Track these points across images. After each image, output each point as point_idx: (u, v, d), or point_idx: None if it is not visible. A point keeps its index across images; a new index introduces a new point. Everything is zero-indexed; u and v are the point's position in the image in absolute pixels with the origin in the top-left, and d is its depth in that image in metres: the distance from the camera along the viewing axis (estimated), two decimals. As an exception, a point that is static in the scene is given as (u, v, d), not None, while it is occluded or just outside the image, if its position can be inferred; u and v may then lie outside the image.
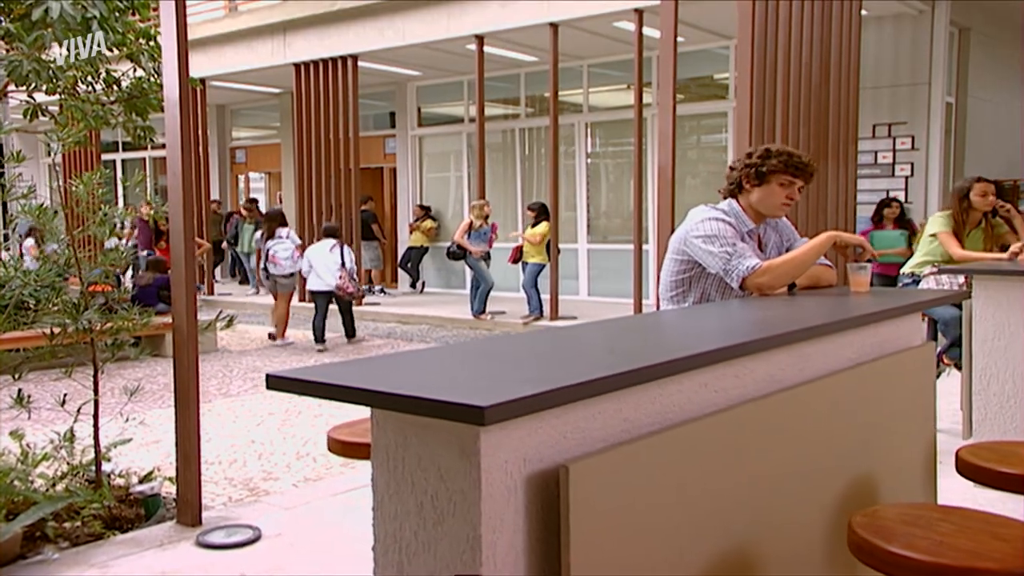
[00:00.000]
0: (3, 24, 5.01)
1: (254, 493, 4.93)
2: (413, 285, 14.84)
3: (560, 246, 11.28)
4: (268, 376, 1.62)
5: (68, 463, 4.25)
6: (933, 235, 5.35)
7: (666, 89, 6.28)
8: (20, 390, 4.02)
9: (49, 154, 19.69)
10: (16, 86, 4.87)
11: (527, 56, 12.75)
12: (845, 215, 8.46)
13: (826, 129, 8.07)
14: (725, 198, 3.27)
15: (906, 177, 10.23)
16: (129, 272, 10.84)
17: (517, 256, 11.04)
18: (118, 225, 4.06)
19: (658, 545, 1.73)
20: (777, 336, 2.03)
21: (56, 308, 4.15)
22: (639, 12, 9.89)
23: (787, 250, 3.28)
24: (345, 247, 10.07)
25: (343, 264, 9.78)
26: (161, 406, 7.03)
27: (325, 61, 13.04)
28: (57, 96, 5.04)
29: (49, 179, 19.76)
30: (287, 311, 10.36)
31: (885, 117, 10.24)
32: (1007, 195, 7.55)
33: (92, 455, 4.25)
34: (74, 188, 3.96)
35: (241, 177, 19.00)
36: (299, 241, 10.67)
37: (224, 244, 16.16)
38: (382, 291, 14.59)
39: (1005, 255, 5.15)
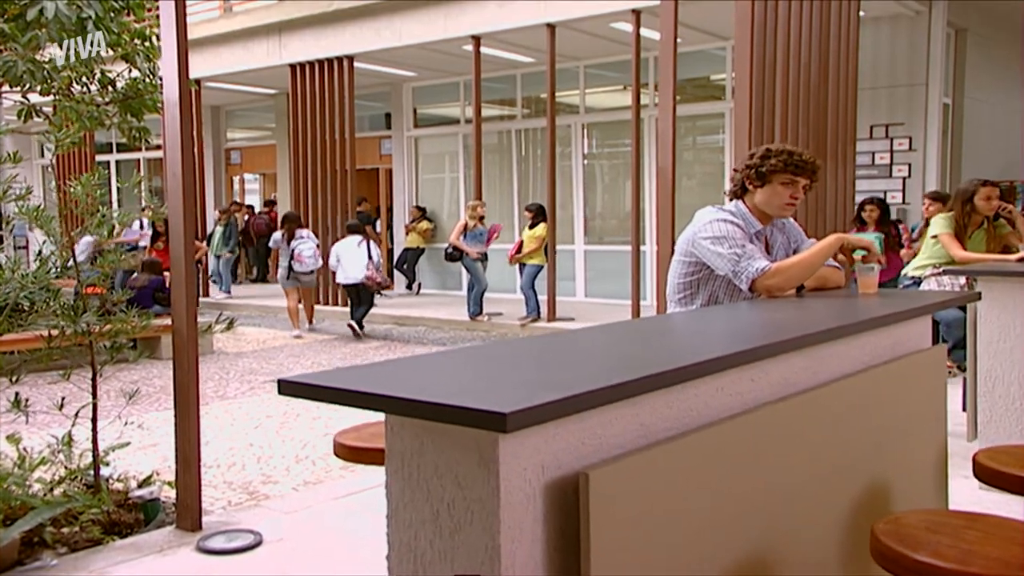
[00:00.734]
0: (-2, 24, 4.95)
1: (254, 497, 4.89)
2: (409, 286, 14.79)
3: (557, 247, 11.25)
4: (280, 381, 1.58)
5: (66, 467, 4.20)
6: (935, 236, 5.33)
7: (666, 90, 6.26)
8: (17, 393, 3.97)
9: (43, 155, 19.63)
10: (10, 87, 4.82)
11: (523, 57, 12.72)
12: (844, 216, 8.45)
13: (825, 130, 8.06)
14: (731, 200, 3.25)
15: (903, 178, 10.23)
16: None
17: (518, 250, 11.01)
18: (116, 228, 4.01)
19: (677, 552, 1.70)
20: (795, 339, 2.00)
21: (53, 310, 4.11)
22: (636, 13, 9.88)
23: (794, 251, 3.26)
24: (371, 242, 10.84)
25: (370, 258, 10.58)
26: (158, 409, 6.98)
27: (321, 62, 13.00)
28: (51, 97, 4.99)
29: (43, 180, 19.68)
30: (297, 306, 11.20)
31: (883, 118, 10.24)
32: (1004, 196, 7.55)
33: (90, 459, 4.20)
34: (72, 189, 3.92)
35: (236, 179, 18.95)
36: (317, 240, 11.39)
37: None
38: (378, 292, 14.52)
39: (1012, 257, 5.13)
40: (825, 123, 8.08)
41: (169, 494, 4.32)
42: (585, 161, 13.36)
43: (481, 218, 11.24)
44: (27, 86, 4.81)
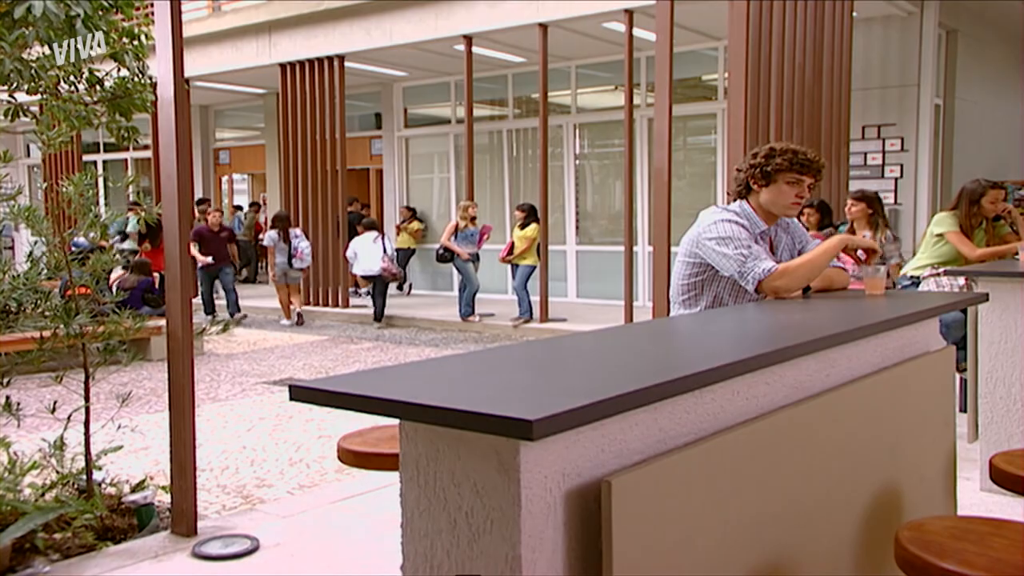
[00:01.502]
0: (-16, 22, 4.88)
1: (248, 501, 4.83)
2: (400, 287, 14.72)
3: (548, 248, 11.21)
4: (291, 387, 1.54)
5: (58, 472, 4.13)
6: (939, 235, 5.30)
7: (662, 90, 6.23)
8: (8, 397, 3.90)
9: (29, 155, 19.43)
10: (-3, 85, 4.75)
11: (515, 57, 12.68)
12: (838, 217, 8.44)
13: (819, 130, 8.05)
14: (734, 200, 3.21)
15: (895, 179, 10.25)
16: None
17: (509, 251, 10.97)
18: (110, 228, 3.95)
19: (697, 559, 1.66)
20: (812, 342, 1.97)
21: (41, 312, 4.04)
22: (629, 13, 9.85)
23: (799, 252, 3.23)
24: (386, 237, 12.06)
25: (385, 251, 11.71)
26: (148, 411, 6.90)
27: (311, 61, 12.92)
28: (38, 96, 4.92)
29: (30, 180, 19.51)
30: (288, 298, 12.34)
31: (874, 119, 10.25)
32: None
33: (82, 463, 4.14)
34: (64, 189, 3.85)
35: (224, 179, 18.84)
36: (308, 239, 12.41)
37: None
38: (368, 293, 14.46)
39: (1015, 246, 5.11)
40: (819, 123, 8.07)
41: (163, 499, 4.25)
42: (577, 161, 13.33)
43: (473, 219, 11.19)
44: (14, 85, 4.73)
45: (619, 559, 1.47)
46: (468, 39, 11.30)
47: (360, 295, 14.26)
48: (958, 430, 4.90)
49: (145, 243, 11.82)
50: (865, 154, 10.30)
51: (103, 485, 4.26)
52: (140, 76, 5.07)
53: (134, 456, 5.47)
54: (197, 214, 14.00)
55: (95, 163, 18.32)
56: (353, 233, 13.92)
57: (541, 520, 1.43)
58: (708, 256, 3.05)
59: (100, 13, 5.00)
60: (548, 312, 11.00)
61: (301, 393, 1.53)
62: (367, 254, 11.68)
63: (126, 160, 18.04)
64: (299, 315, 12.21)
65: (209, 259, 11.87)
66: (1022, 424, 4.21)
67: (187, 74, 13.23)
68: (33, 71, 4.72)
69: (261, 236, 14.97)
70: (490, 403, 1.41)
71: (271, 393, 7.80)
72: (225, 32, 13.46)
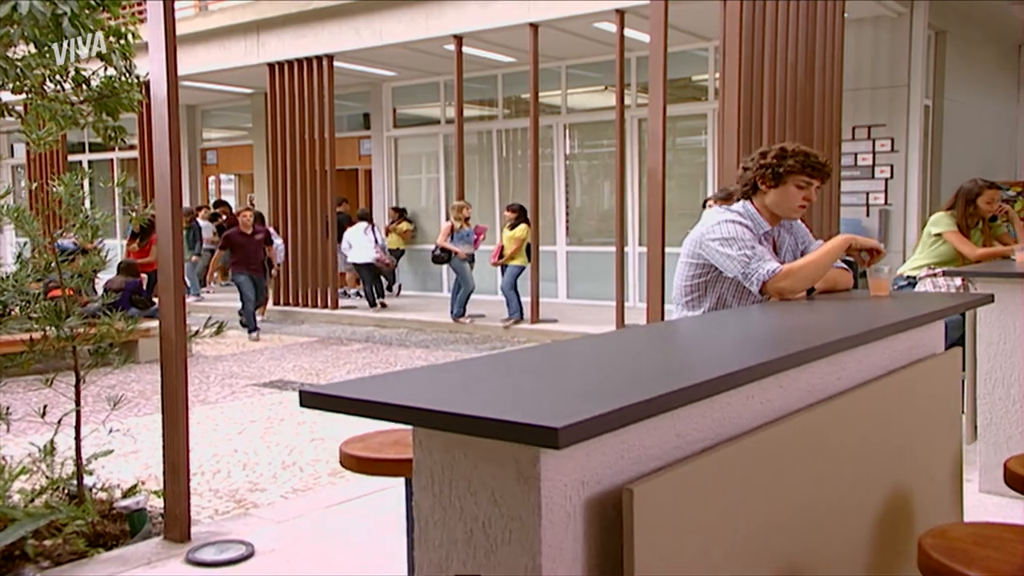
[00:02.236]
0: (-33, 21, 4.80)
1: (241, 505, 4.77)
2: (389, 288, 14.65)
3: (539, 248, 11.18)
4: (301, 392, 1.49)
5: (47, 477, 4.06)
6: (937, 235, 5.29)
7: (656, 90, 6.21)
8: (-4, 401, 3.84)
9: (12, 154, 19.22)
10: (-18, 84, 4.67)
11: (505, 57, 12.65)
12: (829, 218, 8.45)
13: (811, 131, 8.05)
14: (737, 199, 3.18)
15: (886, 179, 10.27)
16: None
17: (500, 252, 10.93)
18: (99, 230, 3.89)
19: (717, 566, 1.63)
20: (827, 344, 1.94)
21: (27, 314, 3.96)
22: (620, 13, 9.83)
23: (802, 253, 3.20)
24: (375, 228, 13.04)
25: (376, 242, 12.73)
26: (137, 414, 6.83)
27: (300, 61, 12.84)
28: (24, 96, 4.84)
29: (13, 180, 19.31)
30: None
31: (865, 119, 10.26)
32: None
33: (72, 468, 4.07)
34: (55, 189, 3.78)
35: (212, 179, 18.71)
36: (280, 237, 12.83)
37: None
38: (358, 294, 14.39)
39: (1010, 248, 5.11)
40: (811, 124, 8.07)
41: (155, 504, 4.19)
42: (567, 162, 13.30)
43: (466, 219, 11.15)
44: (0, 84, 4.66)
45: (641, 568, 1.43)
46: (458, 39, 11.25)
47: (349, 296, 14.19)
48: (955, 431, 4.90)
49: (133, 244, 11.70)
50: (856, 155, 10.32)
51: (94, 490, 4.19)
52: (127, 75, 5.00)
53: (124, 460, 5.40)
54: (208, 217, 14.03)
55: (80, 163, 18.16)
56: (342, 234, 13.88)
57: (561, 529, 1.39)
58: (712, 257, 3.02)
59: (87, 12, 4.94)
60: (539, 313, 10.96)
61: (312, 399, 1.49)
62: (360, 244, 12.61)
63: (111, 160, 17.89)
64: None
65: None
66: (1021, 425, 4.20)
67: (174, 73, 13.18)
68: (19, 70, 4.65)
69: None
70: (510, 409, 1.36)
71: (261, 395, 7.73)
72: (212, 31, 13.36)
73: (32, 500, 3.93)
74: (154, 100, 3.63)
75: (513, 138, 13.84)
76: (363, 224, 12.77)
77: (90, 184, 16.51)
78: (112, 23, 5.30)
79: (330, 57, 12.58)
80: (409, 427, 1.50)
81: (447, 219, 11.94)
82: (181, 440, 3.77)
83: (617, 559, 1.47)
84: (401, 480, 2.57)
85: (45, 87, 4.99)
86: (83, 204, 4.02)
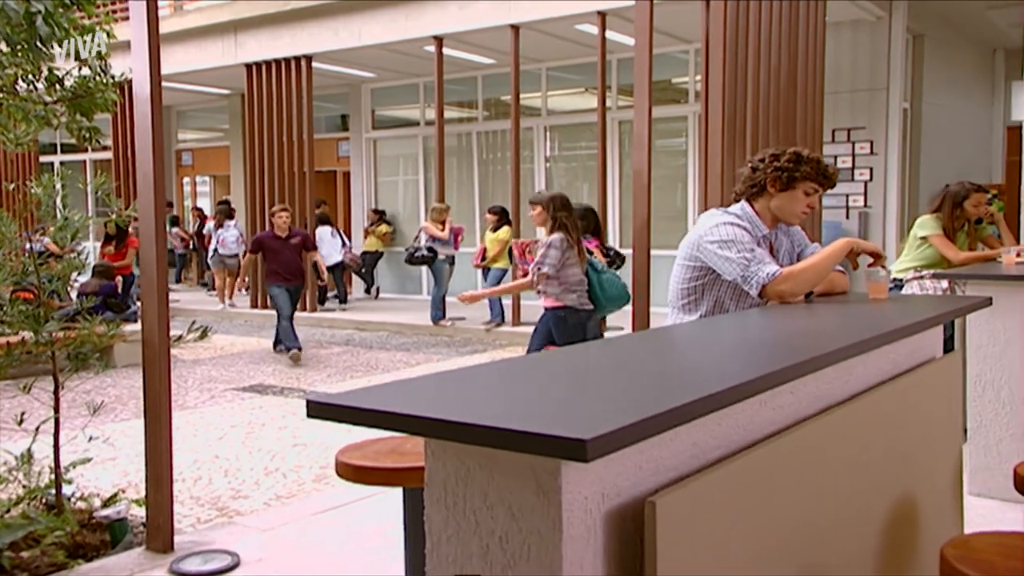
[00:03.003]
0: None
1: (224, 513, 4.67)
2: (368, 291, 14.54)
3: (521, 251, 11.12)
4: (309, 402, 1.42)
5: (24, 486, 3.95)
6: (923, 238, 5.29)
7: (642, 92, 6.17)
8: (-29, 409, 3.72)
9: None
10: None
11: (485, 59, 12.59)
12: (811, 220, 8.46)
13: (793, 133, 8.06)
14: (737, 200, 3.14)
15: (865, 182, 10.32)
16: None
17: (483, 255, 10.86)
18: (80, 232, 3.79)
19: (735, 582, 1.58)
20: (839, 350, 1.90)
21: (2, 319, 3.85)
22: (602, 15, 9.81)
23: (798, 256, 3.17)
24: (339, 231, 13.73)
25: (344, 243, 13.40)
26: (114, 420, 6.69)
27: (278, 61, 12.71)
28: (-3, 96, 4.71)
29: (-17, 182, 18.95)
30: (225, 282, 13.64)
31: (844, 122, 10.31)
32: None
33: (50, 477, 3.95)
34: (32, 191, 3.68)
35: (187, 180, 18.49)
36: (242, 230, 13.41)
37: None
38: (335, 297, 14.26)
39: (994, 253, 5.13)
40: (794, 126, 8.08)
41: (136, 513, 4.09)
42: (547, 164, 13.27)
43: (443, 222, 11.08)
44: (-31, 83, 4.53)
45: (663, 584, 1.38)
46: (439, 40, 11.19)
47: (328, 298, 14.06)
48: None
49: (108, 246, 11.51)
50: (836, 157, 10.35)
51: (73, 499, 4.08)
52: (102, 75, 4.89)
53: (102, 467, 5.28)
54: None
55: (52, 164, 17.87)
56: (330, 223, 13.83)
57: (582, 544, 1.34)
58: (709, 259, 2.98)
59: (61, 10, 4.83)
60: (520, 316, 10.90)
61: (318, 409, 1.42)
62: (328, 246, 13.05)
63: (84, 162, 17.64)
64: (229, 302, 13.46)
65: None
66: (1011, 428, 4.20)
67: (150, 74, 13.00)
68: (-10, 69, 4.53)
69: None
70: (530, 420, 1.31)
71: (241, 400, 7.62)
72: (188, 32, 13.19)
73: (8, 510, 3.81)
74: (136, 99, 3.54)
75: (493, 140, 13.79)
76: (326, 228, 13.18)
77: (63, 186, 16.29)
78: (86, 22, 5.19)
79: (308, 58, 12.46)
80: (406, 435, 1.44)
81: (426, 221, 11.86)
82: (164, 448, 3.68)
83: (636, 573, 1.42)
84: (386, 488, 2.51)
85: (17, 86, 4.87)
86: (61, 206, 3.92)
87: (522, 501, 1.34)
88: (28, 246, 3.91)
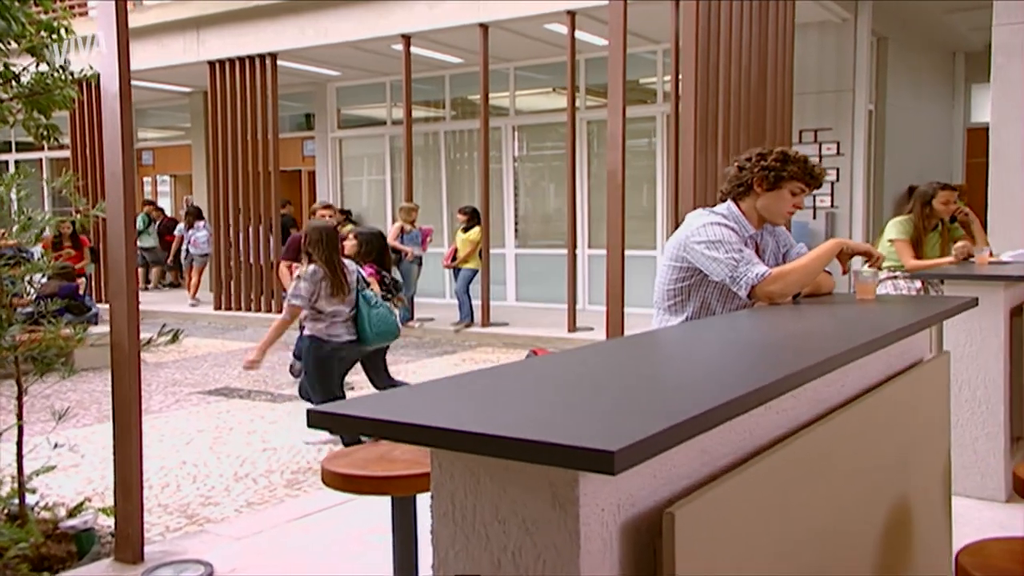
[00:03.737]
0: None
1: (194, 521, 4.55)
2: (334, 292, 14.38)
3: (488, 251, 11.06)
4: (309, 411, 1.35)
5: (-14, 497, 3.80)
6: (891, 240, 5.35)
7: (616, 91, 6.15)
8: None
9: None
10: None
11: (453, 58, 12.50)
12: (781, 220, 8.49)
13: (763, 133, 8.09)
14: (723, 200, 3.11)
15: (832, 182, 10.40)
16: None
17: (453, 255, 10.78)
18: (46, 231, 3.65)
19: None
20: (844, 353, 1.86)
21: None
22: (572, 15, 9.78)
23: (783, 256, 3.15)
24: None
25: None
26: (76, 426, 6.51)
27: (242, 59, 12.51)
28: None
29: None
30: (199, 280, 13.75)
31: (811, 123, 10.39)
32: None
33: (12, 486, 3.81)
34: (-6, 189, 3.54)
35: (147, 180, 18.16)
36: (211, 230, 13.31)
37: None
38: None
39: (944, 261, 5.19)
40: (764, 127, 8.12)
41: (104, 522, 3.96)
42: (516, 164, 13.22)
43: (412, 221, 10.98)
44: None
45: (681, 598, 1.33)
46: (407, 39, 11.08)
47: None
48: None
49: (67, 247, 11.24)
50: (802, 158, 10.42)
51: (36, 509, 3.94)
52: (61, 72, 4.74)
53: (65, 475, 5.12)
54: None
55: (6, 163, 17.45)
56: (287, 236, 13.58)
57: (599, 558, 1.28)
58: (697, 260, 2.94)
59: (17, 4, 4.67)
60: (489, 316, 10.84)
61: (319, 419, 1.35)
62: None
63: (40, 160, 17.24)
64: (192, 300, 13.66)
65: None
66: (987, 427, 4.23)
67: (109, 70, 12.73)
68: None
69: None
70: (546, 430, 1.25)
71: (207, 404, 7.47)
72: (149, 28, 12.92)
73: (-32, 522, 3.67)
74: (104, 95, 3.42)
75: (460, 140, 13.71)
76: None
77: (47, 183, 15.90)
78: (43, 17, 5.03)
79: (273, 56, 12.28)
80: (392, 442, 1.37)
81: (394, 221, 11.76)
82: (134, 455, 3.56)
83: (653, 587, 1.37)
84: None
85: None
86: (24, 205, 3.79)
87: (537, 514, 1.28)
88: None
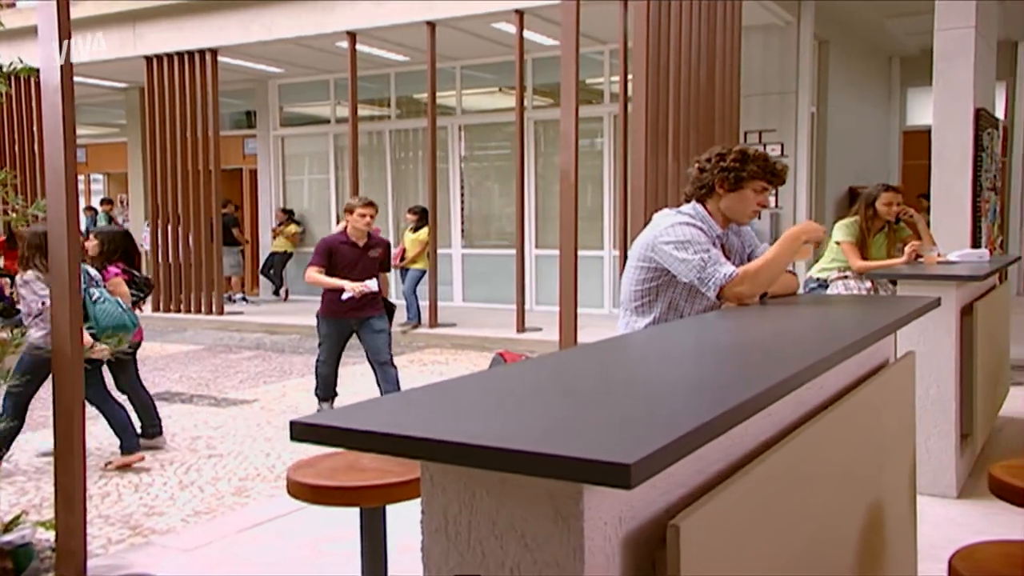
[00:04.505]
0: None
1: (138, 532, 4.37)
2: (276, 292, 14.12)
3: (436, 251, 10.95)
4: (292, 423, 1.26)
5: (-85, 512, 3.59)
6: (838, 243, 5.41)
7: (568, 91, 6.11)
8: None
9: None
10: None
11: (398, 56, 12.36)
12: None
13: (712, 134, 8.15)
14: (687, 200, 3.08)
15: (776, 183, 10.52)
16: None
17: (402, 255, 10.65)
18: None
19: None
20: (833, 355, 1.84)
21: None
22: (520, 14, 9.73)
23: (749, 256, 3.13)
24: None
25: None
26: (8, 434, 6.22)
27: (181, 54, 12.18)
28: None
29: None
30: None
31: (756, 124, 10.51)
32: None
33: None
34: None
35: (81, 178, 17.58)
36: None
37: None
38: (244, 299, 13.80)
39: (897, 261, 5.28)
40: (713, 127, 8.18)
41: (43, 536, 3.77)
42: (462, 164, 13.12)
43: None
44: None
45: (686, 613, 1.27)
46: (352, 36, 10.91)
47: (235, 301, 13.58)
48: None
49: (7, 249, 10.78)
50: (747, 159, 10.54)
51: (-32, 525, 3.74)
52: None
53: (-4, 487, 4.88)
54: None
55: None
56: (228, 236, 13.27)
57: (602, 573, 1.22)
58: (665, 261, 2.90)
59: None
60: (437, 317, 10.74)
61: (305, 432, 1.26)
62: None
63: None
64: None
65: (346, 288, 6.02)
66: (939, 425, 4.29)
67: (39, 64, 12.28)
68: None
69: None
70: (547, 441, 1.18)
71: (148, 409, 7.21)
72: (84, 21, 12.46)
73: None
74: (44, 88, 3.25)
75: (406, 139, 13.57)
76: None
77: None
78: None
79: (214, 51, 11.98)
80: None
81: (338, 222, 11.56)
82: (77, 466, 3.39)
83: (654, 602, 1.31)
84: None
85: None
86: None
87: (537, 529, 1.21)
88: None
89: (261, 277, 14.45)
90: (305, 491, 2.04)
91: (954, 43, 6.66)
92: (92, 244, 5.80)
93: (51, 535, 3.60)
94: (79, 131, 15.51)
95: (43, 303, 4.80)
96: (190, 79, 12.13)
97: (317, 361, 6.47)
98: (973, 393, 4.46)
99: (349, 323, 6.22)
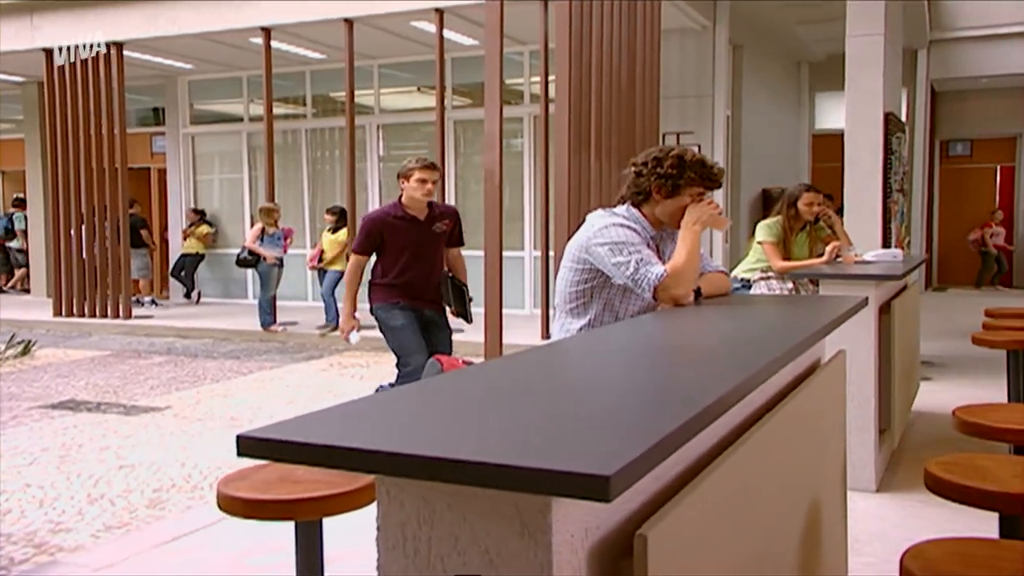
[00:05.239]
0: None
1: (43, 550, 4.12)
2: (188, 295, 13.68)
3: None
4: (239, 438, 1.17)
5: None
6: (760, 243, 5.51)
7: (492, 91, 6.07)
8: None
9: None
10: None
11: (314, 53, 12.12)
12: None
13: (633, 135, 8.22)
14: (622, 203, 3.06)
15: (693, 185, 10.69)
16: None
17: (319, 256, 10.42)
18: None
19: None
20: (782, 356, 1.83)
21: None
22: (440, 12, 9.64)
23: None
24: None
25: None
26: None
27: (83, 48, 11.66)
28: None
29: None
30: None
31: (674, 127, 10.66)
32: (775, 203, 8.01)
33: None
34: None
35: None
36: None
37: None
38: (153, 302, 13.32)
39: (818, 261, 5.41)
40: (634, 129, 8.25)
41: (-61, 558, 3.52)
42: (381, 164, 12.95)
43: (275, 222, 10.55)
44: None
45: (654, 627, 1.23)
46: (267, 32, 10.63)
47: (143, 304, 13.10)
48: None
49: None
50: (665, 161, 10.68)
51: None
52: None
53: None
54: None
55: None
56: (136, 237, 12.79)
57: (569, 589, 1.17)
58: (599, 262, 2.88)
59: None
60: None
61: (252, 447, 1.17)
62: None
63: None
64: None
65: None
66: (858, 420, 4.39)
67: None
68: None
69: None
70: (514, 452, 1.12)
71: (51, 419, 6.86)
72: (-25, 10, 11.88)
73: None
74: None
75: (323, 138, 13.31)
76: None
77: None
78: None
79: (119, 45, 11.52)
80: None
81: (252, 223, 11.28)
82: (-22, 482, 3.17)
83: (619, 615, 1.27)
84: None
85: None
86: None
87: (502, 545, 1.15)
88: None
89: (172, 280, 13.98)
90: (238, 505, 1.93)
91: (864, 50, 6.86)
92: None
93: (-51, 557, 3.36)
94: (-28, 127, 14.62)
95: None
96: (93, 74, 11.64)
97: (399, 360, 4.96)
98: (891, 389, 4.58)
99: (421, 313, 5.01)
